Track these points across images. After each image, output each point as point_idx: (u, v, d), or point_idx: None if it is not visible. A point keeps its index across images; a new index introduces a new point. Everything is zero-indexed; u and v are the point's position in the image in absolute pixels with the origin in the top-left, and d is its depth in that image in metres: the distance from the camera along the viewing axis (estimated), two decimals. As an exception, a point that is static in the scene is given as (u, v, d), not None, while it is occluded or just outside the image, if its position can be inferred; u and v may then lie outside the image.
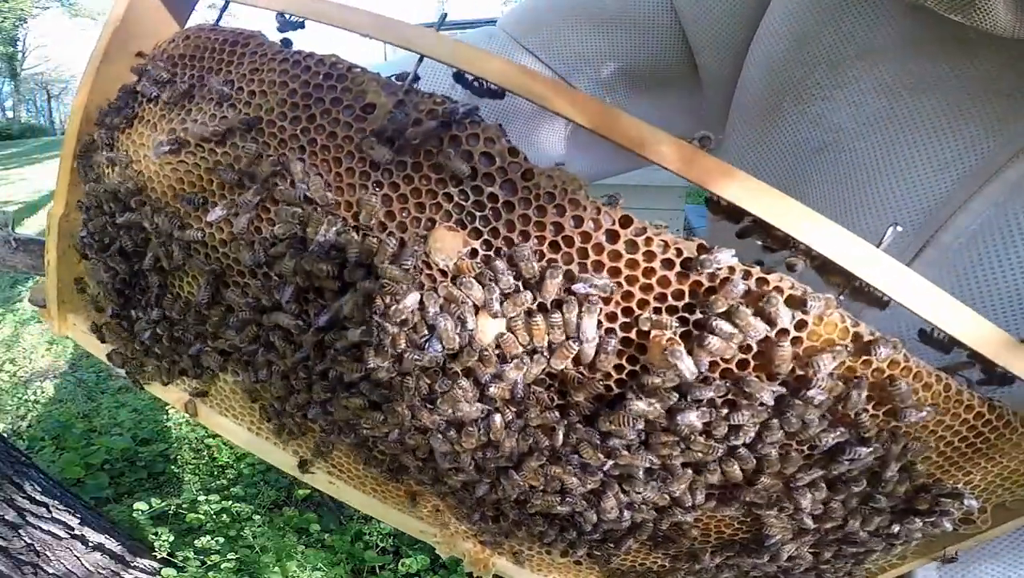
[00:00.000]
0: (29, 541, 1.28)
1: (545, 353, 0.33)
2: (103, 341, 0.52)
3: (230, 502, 1.78)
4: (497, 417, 0.35)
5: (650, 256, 0.30)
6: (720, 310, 0.29)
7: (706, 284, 0.30)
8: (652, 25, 0.59)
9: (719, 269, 0.29)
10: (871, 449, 0.34)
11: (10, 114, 27.23)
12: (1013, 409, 0.35)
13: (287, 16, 0.37)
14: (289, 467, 0.52)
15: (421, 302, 0.33)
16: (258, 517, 1.75)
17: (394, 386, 0.36)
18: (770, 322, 0.30)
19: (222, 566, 1.49)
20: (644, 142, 0.29)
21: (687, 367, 0.30)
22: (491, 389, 0.34)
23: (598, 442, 0.35)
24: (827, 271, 0.31)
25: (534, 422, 0.36)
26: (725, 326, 0.30)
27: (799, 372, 0.32)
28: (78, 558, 1.36)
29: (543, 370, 0.34)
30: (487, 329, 0.33)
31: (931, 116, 0.40)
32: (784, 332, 0.31)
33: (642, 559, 0.47)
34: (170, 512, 1.79)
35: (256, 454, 0.52)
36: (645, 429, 0.34)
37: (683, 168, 0.28)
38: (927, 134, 0.40)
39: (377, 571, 1.63)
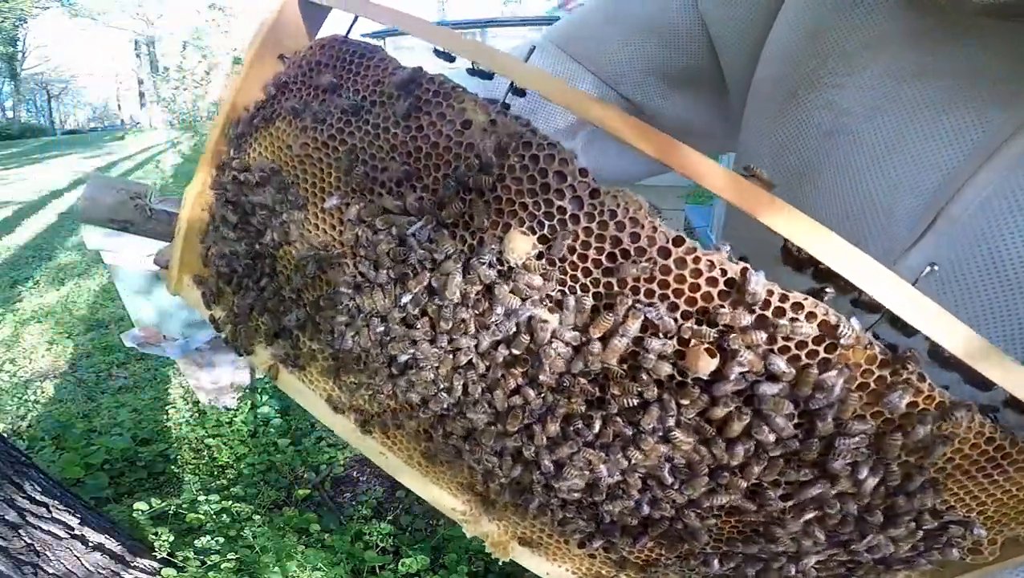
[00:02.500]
0: (29, 541, 1.28)
1: (595, 347, 0.37)
2: (209, 306, 0.60)
3: (230, 502, 1.78)
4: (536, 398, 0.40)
5: (697, 273, 0.34)
6: (734, 333, 0.33)
7: (745, 303, 0.33)
8: (680, 30, 0.63)
9: (758, 294, 0.32)
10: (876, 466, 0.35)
11: (10, 114, 27.24)
12: None
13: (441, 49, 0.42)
14: (350, 432, 0.57)
15: (492, 289, 0.38)
16: (258, 517, 1.75)
17: (455, 366, 0.42)
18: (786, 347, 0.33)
19: (222, 566, 1.49)
20: (698, 171, 0.32)
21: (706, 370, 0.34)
22: (540, 377, 0.38)
23: (630, 434, 0.38)
24: (860, 304, 0.34)
25: (575, 410, 0.39)
26: (742, 351, 0.33)
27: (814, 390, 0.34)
28: (78, 558, 1.36)
29: (590, 363, 0.37)
30: (548, 320, 0.37)
31: (935, 98, 0.42)
32: (813, 353, 0.33)
33: (656, 556, 0.48)
34: (170, 512, 1.79)
35: (322, 420, 0.58)
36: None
37: (734, 197, 0.32)
38: (932, 114, 0.42)
39: (377, 571, 1.63)
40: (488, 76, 0.42)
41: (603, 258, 0.36)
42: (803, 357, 0.33)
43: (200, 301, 0.61)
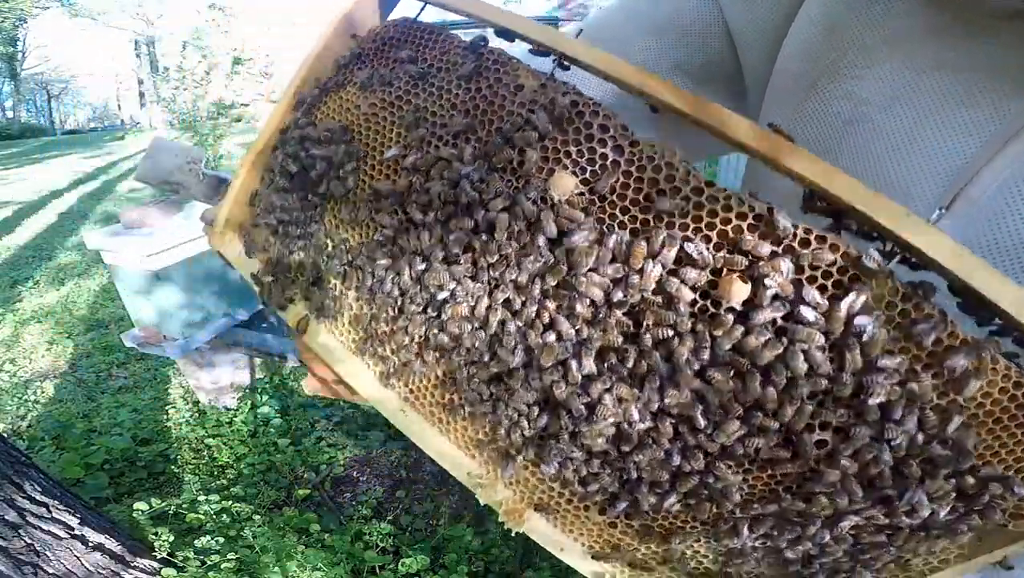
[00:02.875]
0: (29, 541, 1.28)
1: (633, 278, 0.39)
2: (250, 255, 0.63)
3: (230, 502, 1.78)
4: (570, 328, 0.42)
5: (727, 208, 0.37)
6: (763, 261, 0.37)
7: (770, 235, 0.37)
8: (696, 28, 0.66)
9: (787, 229, 0.36)
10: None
11: (10, 114, 27.24)
12: None
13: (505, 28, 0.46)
14: (371, 386, 0.57)
15: (536, 222, 0.42)
16: (258, 517, 1.75)
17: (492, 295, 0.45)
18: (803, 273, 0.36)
19: (222, 566, 1.49)
20: (726, 123, 0.37)
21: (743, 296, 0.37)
22: (577, 307, 0.40)
23: (665, 370, 0.39)
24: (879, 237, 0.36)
25: (610, 342, 0.41)
26: (771, 275, 0.36)
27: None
28: (78, 558, 1.36)
29: (628, 294, 0.40)
30: (589, 249, 0.40)
31: (954, 90, 0.44)
32: (839, 283, 0.36)
33: (680, 523, 0.48)
34: (170, 512, 1.79)
35: (344, 377, 0.59)
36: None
37: (756, 144, 0.36)
38: (951, 105, 0.44)
39: (377, 571, 1.63)
40: (545, 54, 0.46)
41: (641, 197, 0.40)
42: (829, 287, 0.36)
43: (240, 254, 0.64)
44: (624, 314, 0.40)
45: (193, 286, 2.18)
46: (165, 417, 2.51)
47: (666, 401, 0.40)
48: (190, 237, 2.13)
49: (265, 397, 2.52)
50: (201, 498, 1.77)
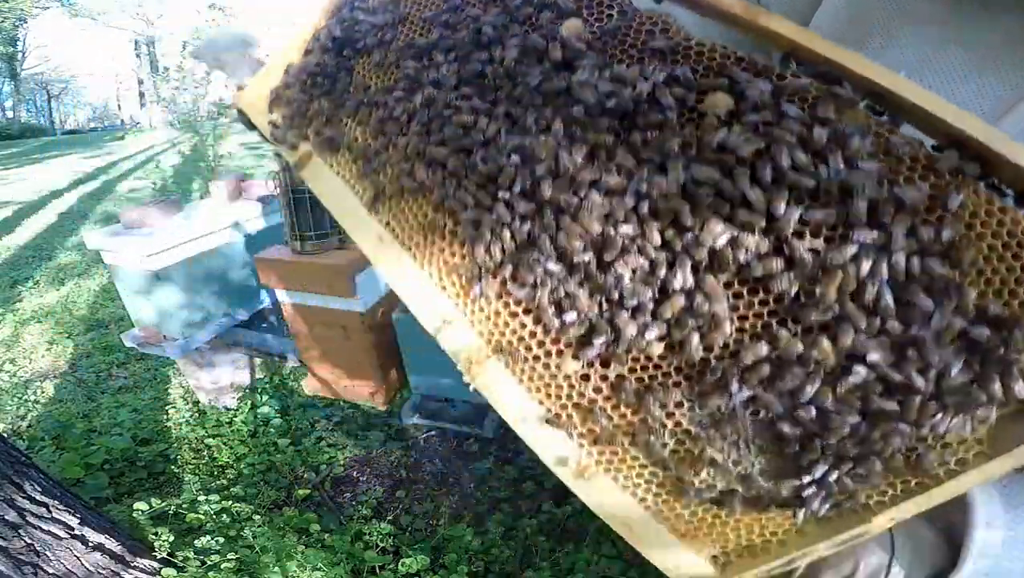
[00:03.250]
0: (29, 541, 1.28)
1: (626, 91, 0.44)
2: (270, 110, 0.68)
3: (230, 502, 1.78)
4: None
5: (713, 49, 0.44)
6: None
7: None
8: None
9: (767, 68, 0.42)
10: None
11: (10, 114, 27.23)
12: None
13: None
14: (356, 218, 0.59)
15: (544, 53, 0.48)
16: (258, 517, 1.75)
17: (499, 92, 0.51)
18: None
19: (222, 566, 1.49)
20: None
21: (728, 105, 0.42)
22: (574, 111, 0.45)
23: (656, 161, 0.42)
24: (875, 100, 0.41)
25: (600, 141, 0.45)
26: (750, 88, 0.42)
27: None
28: (78, 558, 1.36)
29: (623, 102, 0.44)
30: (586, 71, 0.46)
31: (969, 63, 0.48)
32: (813, 106, 0.41)
33: (662, 376, 0.44)
34: (170, 512, 1.79)
35: (333, 208, 0.61)
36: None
37: (742, 11, 0.42)
38: (965, 74, 0.48)
39: (377, 571, 1.63)
40: None
41: (639, 43, 0.46)
42: (806, 108, 0.40)
43: (263, 105, 0.68)
44: (616, 120, 0.44)
45: (193, 286, 2.18)
46: (165, 417, 2.51)
47: (653, 193, 0.41)
48: (190, 237, 2.13)
49: (265, 397, 2.52)
50: (201, 498, 1.77)
